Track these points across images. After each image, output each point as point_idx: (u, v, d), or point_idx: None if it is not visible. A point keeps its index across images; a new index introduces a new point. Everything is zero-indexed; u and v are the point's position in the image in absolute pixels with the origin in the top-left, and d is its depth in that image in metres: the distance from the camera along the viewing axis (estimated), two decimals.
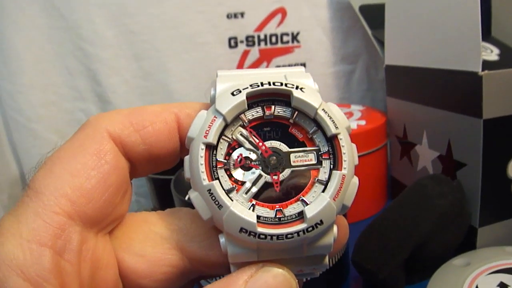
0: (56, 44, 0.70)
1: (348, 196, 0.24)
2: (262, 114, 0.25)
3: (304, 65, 0.79)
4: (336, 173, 0.23)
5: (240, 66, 0.76)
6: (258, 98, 0.25)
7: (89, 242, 0.23)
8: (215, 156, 0.24)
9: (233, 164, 0.24)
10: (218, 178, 0.24)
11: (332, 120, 0.24)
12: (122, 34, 0.71)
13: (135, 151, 0.25)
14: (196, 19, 0.73)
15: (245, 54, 0.76)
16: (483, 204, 0.49)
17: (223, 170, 0.24)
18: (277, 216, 0.23)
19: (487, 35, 0.70)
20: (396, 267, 0.46)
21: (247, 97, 0.24)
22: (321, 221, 0.23)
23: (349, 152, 0.24)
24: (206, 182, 0.23)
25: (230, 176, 0.24)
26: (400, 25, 0.59)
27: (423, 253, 0.47)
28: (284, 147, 0.24)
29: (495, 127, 0.48)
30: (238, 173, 0.24)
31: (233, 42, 0.75)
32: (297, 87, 0.24)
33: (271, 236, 0.23)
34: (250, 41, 0.75)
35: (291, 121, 0.24)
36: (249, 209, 0.23)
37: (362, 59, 0.81)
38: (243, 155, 0.24)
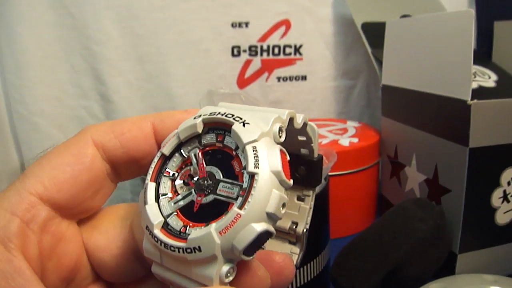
0: (63, 41, 0.71)
1: (239, 238, 0.22)
2: (214, 141, 0.26)
3: (305, 78, 0.80)
4: (232, 211, 0.23)
5: (241, 75, 0.76)
6: (216, 125, 0.26)
7: (54, 220, 0.27)
8: (167, 165, 0.27)
9: (178, 177, 0.27)
10: (159, 183, 0.27)
11: (256, 159, 0.23)
12: (128, 36, 0.72)
13: (115, 154, 0.28)
14: (201, 26, 0.73)
15: (247, 63, 0.76)
16: (464, 230, 0.50)
17: (168, 179, 0.27)
18: (180, 230, 0.25)
19: (487, 60, 0.71)
20: (373, 287, 0.46)
21: (204, 123, 0.26)
22: (199, 247, 0.23)
23: (260, 196, 0.23)
24: (147, 181, 0.27)
25: (174, 186, 0.27)
26: (398, 46, 0.60)
27: (400, 275, 0.48)
28: (219, 175, 0.25)
29: (481, 156, 0.48)
30: (179, 186, 0.27)
31: (236, 51, 0.75)
32: (243, 122, 0.25)
33: (161, 241, 0.24)
34: (253, 50, 0.76)
35: (234, 153, 0.25)
36: (167, 215, 0.26)
37: (363, 75, 0.81)
38: (190, 172, 0.26)
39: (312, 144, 0.31)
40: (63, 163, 0.27)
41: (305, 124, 0.29)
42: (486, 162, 0.49)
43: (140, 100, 0.74)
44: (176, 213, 0.26)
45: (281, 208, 0.23)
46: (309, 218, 0.33)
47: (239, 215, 0.22)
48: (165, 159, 0.27)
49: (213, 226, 0.23)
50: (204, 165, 0.26)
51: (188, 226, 0.25)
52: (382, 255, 0.47)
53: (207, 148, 0.26)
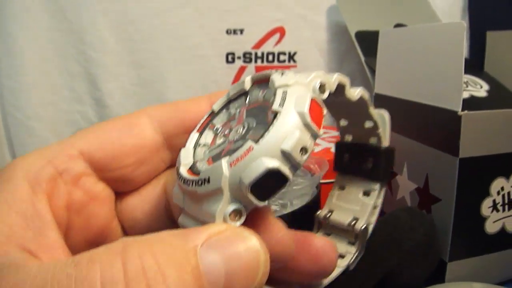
0: (59, 45, 0.72)
1: (247, 172, 0.21)
2: (258, 97, 0.26)
3: None
4: (246, 143, 0.21)
5: (235, 81, 0.76)
6: (262, 82, 0.26)
7: (89, 177, 0.28)
8: (213, 120, 0.27)
9: (221, 132, 0.27)
10: (201, 133, 0.27)
11: (283, 99, 0.22)
12: (123, 41, 0.72)
13: (169, 123, 0.29)
14: (196, 32, 0.74)
15: (242, 70, 0.77)
16: (454, 239, 0.50)
17: (211, 131, 0.27)
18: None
19: (479, 69, 0.71)
20: None
21: (253, 80, 0.27)
22: (208, 178, 0.22)
23: (277, 132, 0.21)
24: (194, 131, 0.27)
25: (215, 139, 0.27)
26: (391, 56, 0.61)
27: (391, 283, 0.48)
28: (252, 125, 0.25)
29: (471, 166, 0.49)
30: (219, 138, 0.26)
31: (230, 58, 0.76)
32: (282, 72, 0.24)
33: (182, 177, 0.24)
34: (247, 57, 0.77)
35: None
36: (199, 160, 0.25)
37: (357, 83, 0.78)
38: (231, 127, 0.26)
39: (379, 131, 0.30)
40: (111, 128, 0.28)
41: (364, 101, 0.28)
42: (476, 172, 0.49)
43: (135, 106, 0.75)
44: (207, 159, 0.25)
45: (300, 152, 0.21)
46: (373, 218, 0.32)
47: (251, 148, 0.21)
48: (214, 115, 0.28)
49: (226, 158, 0.22)
50: (244, 117, 0.26)
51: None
52: (373, 263, 0.47)
53: (252, 105, 0.26)
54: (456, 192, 0.49)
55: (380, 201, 0.32)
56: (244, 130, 0.24)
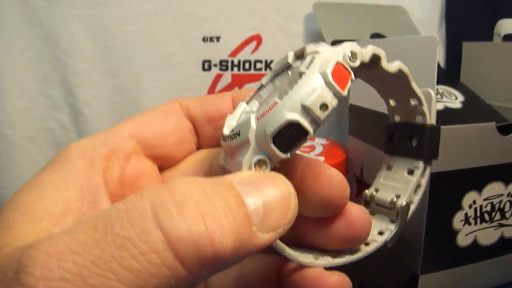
0: (34, 51, 0.71)
1: (270, 123, 0.23)
2: (298, 69, 0.26)
3: None
4: (272, 100, 0.24)
5: (211, 89, 0.76)
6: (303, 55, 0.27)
7: (139, 156, 0.31)
8: (260, 91, 0.30)
9: (265, 99, 0.29)
10: (248, 103, 0.30)
11: (310, 62, 0.24)
12: (99, 48, 0.71)
13: (194, 111, 0.33)
14: (172, 40, 0.73)
15: (218, 78, 0.76)
16: (426, 252, 0.50)
17: (257, 101, 0.30)
18: None
19: (455, 80, 0.71)
20: None
21: (295, 54, 0.28)
22: (239, 132, 0.25)
23: (300, 89, 0.23)
24: (242, 102, 0.30)
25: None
26: None
27: None
28: (290, 88, 0.26)
29: (443, 180, 0.49)
30: (263, 104, 0.29)
31: (206, 65, 0.75)
32: (318, 43, 0.26)
33: (222, 135, 0.27)
34: (223, 65, 0.76)
35: None
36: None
37: None
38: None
39: (423, 108, 0.31)
40: (153, 113, 0.32)
41: (403, 73, 0.29)
42: (448, 186, 0.49)
43: (110, 113, 0.74)
44: None
45: (320, 108, 0.23)
46: (417, 197, 0.33)
47: (275, 103, 0.23)
48: (262, 88, 0.30)
49: (254, 114, 0.24)
50: (284, 86, 0.27)
51: None
52: None
53: (294, 76, 0.27)
54: (428, 206, 0.49)
55: (424, 181, 0.33)
56: (278, 94, 0.26)
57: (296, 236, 0.30)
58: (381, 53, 0.27)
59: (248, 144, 0.24)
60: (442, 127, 0.46)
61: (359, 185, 0.64)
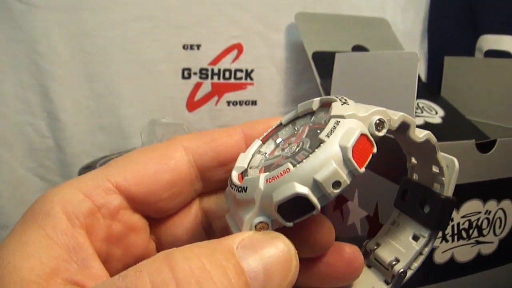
0: (11, 56, 0.69)
1: (278, 191, 0.22)
2: (321, 120, 0.27)
3: (255, 103, 0.80)
4: (286, 165, 0.22)
5: (191, 98, 0.76)
6: (329, 106, 0.26)
7: (127, 211, 0.29)
8: (278, 132, 0.29)
9: (282, 144, 0.28)
10: (264, 142, 0.29)
11: (332, 130, 0.23)
12: (78, 53, 0.70)
13: (204, 158, 0.30)
14: (152, 47, 0.73)
15: (197, 86, 0.76)
16: None
17: (273, 142, 0.29)
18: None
19: (436, 94, 0.71)
20: None
21: (321, 102, 0.28)
22: (246, 188, 0.24)
23: (315, 161, 0.22)
24: (257, 139, 0.29)
25: (274, 150, 0.28)
26: (345, 80, 0.60)
27: None
28: (306, 145, 0.25)
29: None
30: (278, 150, 0.28)
31: (186, 73, 0.75)
32: (344, 102, 0.25)
33: (230, 179, 0.26)
34: (203, 73, 0.75)
35: None
36: (252, 167, 0.27)
37: None
38: (291, 141, 0.27)
39: (444, 178, 0.30)
40: (147, 160, 0.29)
41: (430, 145, 0.28)
42: None
43: (88, 119, 0.73)
44: (260, 168, 0.27)
45: (333, 186, 0.22)
46: (416, 265, 0.32)
47: (288, 170, 0.22)
48: (281, 127, 0.29)
49: (265, 174, 0.23)
50: (303, 136, 0.26)
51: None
52: None
53: (314, 125, 0.27)
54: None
55: (427, 250, 0.32)
56: (298, 149, 0.25)
57: None
58: (412, 122, 0.26)
59: (253, 204, 0.23)
60: None
61: (337, 198, 0.63)
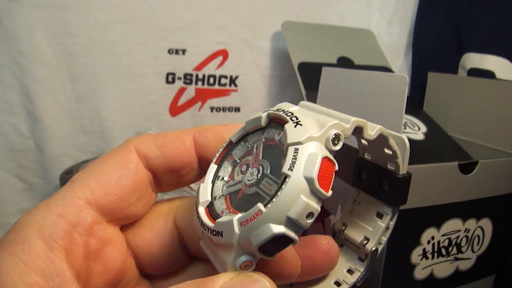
0: None
1: (256, 234, 0.23)
2: (274, 137, 0.27)
3: (238, 109, 0.80)
4: (256, 206, 0.23)
5: (174, 102, 0.75)
6: (278, 121, 0.27)
7: (101, 224, 0.29)
8: (231, 151, 0.29)
9: (239, 164, 0.29)
10: (220, 165, 0.29)
11: (293, 161, 0.23)
12: (60, 53, 0.69)
13: (156, 163, 0.31)
14: (137, 50, 0.72)
15: (181, 91, 0.75)
16: (384, 285, 0.51)
17: (229, 164, 0.29)
18: (219, 213, 0.26)
19: (418, 109, 0.72)
20: None
21: (269, 117, 0.28)
22: (221, 232, 0.24)
23: (285, 198, 0.22)
24: (212, 163, 0.29)
25: (233, 172, 0.29)
26: (332, 95, 0.60)
27: None
28: (267, 170, 0.26)
29: (403, 218, 0.48)
30: (237, 172, 0.28)
31: (170, 78, 0.74)
32: (296, 122, 0.25)
33: (200, 218, 0.26)
34: (188, 79, 0.75)
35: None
36: (217, 197, 0.28)
37: None
38: (248, 162, 0.28)
39: (398, 160, 0.31)
40: (109, 169, 0.30)
41: (382, 137, 0.28)
42: (408, 223, 0.50)
43: (69, 121, 0.72)
44: (224, 197, 0.27)
45: (306, 217, 0.22)
46: (384, 239, 0.34)
47: (260, 212, 0.22)
48: (232, 146, 0.29)
49: (237, 216, 0.23)
50: (260, 157, 0.27)
51: (227, 211, 0.26)
52: None
53: (269, 142, 0.27)
54: (387, 241, 0.49)
55: (392, 223, 0.33)
56: (260, 175, 0.26)
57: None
58: (364, 124, 0.27)
59: (232, 247, 0.24)
60: None
61: (321, 211, 0.63)
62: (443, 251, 0.54)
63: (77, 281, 0.26)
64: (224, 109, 0.79)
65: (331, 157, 0.23)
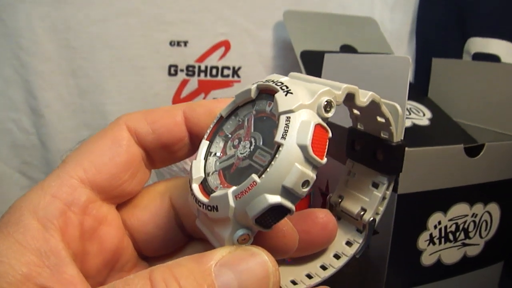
0: None
1: (252, 206, 0.23)
2: (265, 108, 0.27)
3: None
4: (250, 177, 0.23)
5: (177, 95, 0.75)
6: (268, 92, 0.27)
7: (95, 203, 0.29)
8: (222, 126, 0.29)
9: (231, 139, 0.29)
10: (212, 141, 0.29)
11: (285, 129, 0.23)
12: (62, 48, 0.69)
13: (147, 139, 0.31)
14: (138, 43, 0.72)
15: (184, 83, 0.75)
16: (390, 271, 0.51)
17: (221, 139, 0.29)
18: (213, 189, 0.26)
19: (423, 95, 0.71)
20: None
21: (259, 89, 0.27)
22: (216, 207, 0.24)
23: (279, 168, 0.22)
24: (203, 139, 0.29)
25: (225, 147, 0.29)
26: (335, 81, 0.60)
27: None
28: (259, 142, 0.26)
29: (409, 202, 0.49)
30: (229, 147, 0.28)
31: (173, 70, 0.74)
32: (287, 91, 0.24)
33: (194, 195, 0.26)
34: (190, 71, 0.75)
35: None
36: (210, 173, 0.28)
37: None
38: (240, 136, 0.28)
39: (391, 127, 0.31)
40: (101, 147, 0.30)
41: (374, 104, 0.28)
42: (413, 207, 0.49)
43: (72, 116, 0.72)
44: (218, 172, 0.27)
45: (302, 186, 0.22)
46: (382, 209, 0.34)
47: (254, 183, 0.22)
48: (223, 121, 0.29)
49: (231, 189, 0.23)
50: (251, 130, 0.27)
51: (221, 186, 0.26)
52: None
53: (260, 114, 0.27)
54: (393, 226, 0.49)
55: (388, 193, 0.34)
56: (253, 147, 0.26)
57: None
58: (355, 90, 0.26)
59: (228, 221, 0.24)
60: (410, 149, 0.47)
61: (324, 199, 0.63)
62: (450, 236, 0.53)
63: (73, 261, 0.26)
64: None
65: (324, 124, 0.23)
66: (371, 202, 0.33)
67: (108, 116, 0.73)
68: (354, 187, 0.35)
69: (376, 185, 0.33)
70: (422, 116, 0.62)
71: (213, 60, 0.76)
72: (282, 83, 0.25)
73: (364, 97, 0.27)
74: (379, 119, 0.31)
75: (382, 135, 0.32)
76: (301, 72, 0.69)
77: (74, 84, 0.71)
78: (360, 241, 0.34)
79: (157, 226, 0.32)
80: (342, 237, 0.35)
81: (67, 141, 0.72)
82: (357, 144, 0.35)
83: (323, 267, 0.34)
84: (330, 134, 0.23)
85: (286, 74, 0.78)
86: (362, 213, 0.33)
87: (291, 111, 0.23)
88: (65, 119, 0.72)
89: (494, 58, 0.73)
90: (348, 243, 0.34)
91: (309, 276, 0.34)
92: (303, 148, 0.22)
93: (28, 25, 0.68)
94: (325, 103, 0.24)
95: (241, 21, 0.76)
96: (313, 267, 0.34)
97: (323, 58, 0.62)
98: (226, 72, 0.77)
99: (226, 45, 0.76)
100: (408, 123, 0.58)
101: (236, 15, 0.76)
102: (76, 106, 0.72)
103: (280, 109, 0.24)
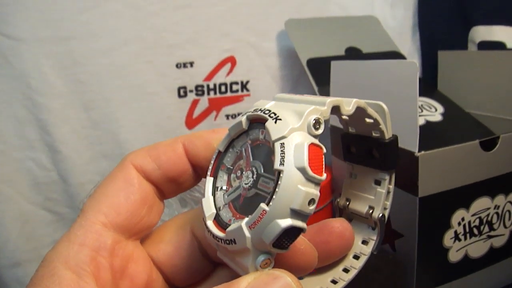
0: (4, 92, 0.69)
1: (266, 233, 0.24)
2: (259, 136, 0.28)
3: None
4: (259, 207, 0.24)
5: (189, 115, 0.75)
6: (259, 121, 0.28)
7: (121, 243, 0.30)
8: (222, 160, 0.30)
9: (233, 171, 0.29)
10: (216, 176, 0.30)
11: (282, 156, 0.24)
12: (71, 83, 0.70)
13: (154, 175, 0.32)
14: (144, 69, 0.72)
15: (195, 103, 0.75)
16: (419, 272, 0.51)
17: (224, 172, 0.30)
18: (227, 222, 0.27)
19: (433, 89, 0.71)
20: None
21: (249, 119, 0.29)
22: (234, 240, 0.25)
23: (284, 193, 0.23)
24: (207, 176, 0.30)
25: (229, 179, 0.30)
26: (344, 89, 0.60)
27: None
28: (260, 170, 0.27)
29: (431, 203, 0.49)
30: (233, 179, 0.29)
31: (182, 92, 0.74)
32: (276, 118, 0.25)
33: (211, 232, 0.27)
34: (199, 90, 0.75)
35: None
36: (221, 207, 0.29)
37: None
38: (241, 166, 0.29)
39: (381, 126, 0.32)
40: (115, 190, 0.31)
41: (360, 109, 0.29)
42: (436, 208, 0.50)
43: (88, 148, 0.73)
44: (228, 205, 0.28)
45: (308, 204, 0.23)
46: (388, 203, 0.35)
47: (264, 212, 0.23)
48: (222, 155, 0.30)
49: (244, 221, 0.24)
50: (250, 159, 0.28)
51: (234, 218, 0.27)
52: None
53: (255, 143, 0.28)
54: (418, 228, 0.49)
55: (391, 187, 0.34)
56: (255, 176, 0.27)
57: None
58: (340, 102, 0.27)
59: (247, 251, 0.24)
60: (424, 153, 0.47)
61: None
62: (475, 230, 0.53)
63: None
64: (239, 115, 0.78)
65: (317, 141, 0.24)
66: (376, 199, 0.34)
67: (123, 144, 0.73)
68: (358, 188, 0.36)
69: (378, 182, 0.34)
70: (434, 112, 0.62)
71: (220, 77, 0.76)
72: (270, 111, 0.26)
73: (348, 106, 0.28)
74: (367, 120, 0.32)
75: (373, 134, 0.33)
76: (309, 80, 0.69)
77: (86, 117, 0.72)
78: (375, 238, 0.35)
79: (183, 258, 0.33)
80: (358, 237, 0.36)
81: (86, 173, 0.72)
82: (353, 147, 0.36)
83: (346, 270, 0.35)
84: (324, 150, 0.24)
85: (294, 83, 0.78)
86: (370, 211, 0.34)
87: (283, 137, 0.24)
88: (82, 152, 0.72)
89: (500, 45, 0.73)
90: (364, 242, 0.36)
91: (334, 282, 0.35)
92: (302, 170, 0.23)
93: (35, 65, 0.69)
94: (313, 121, 0.25)
95: (244, 35, 0.76)
96: (336, 272, 0.35)
97: (330, 64, 0.62)
98: (235, 87, 0.77)
99: (231, 61, 0.76)
100: (421, 121, 0.58)
101: (238, 30, 0.76)
102: (91, 138, 0.73)
103: (273, 137, 0.25)
